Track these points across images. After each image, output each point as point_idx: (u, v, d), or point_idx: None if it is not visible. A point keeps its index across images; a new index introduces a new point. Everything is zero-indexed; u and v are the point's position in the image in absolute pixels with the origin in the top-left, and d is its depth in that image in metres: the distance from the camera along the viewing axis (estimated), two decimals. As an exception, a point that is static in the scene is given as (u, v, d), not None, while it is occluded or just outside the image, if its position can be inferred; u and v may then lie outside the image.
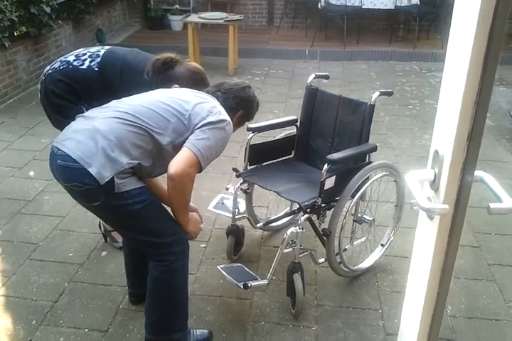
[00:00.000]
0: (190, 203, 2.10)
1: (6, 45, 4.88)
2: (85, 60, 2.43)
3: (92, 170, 1.78)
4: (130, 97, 2.04)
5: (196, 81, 2.35)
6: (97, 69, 2.40)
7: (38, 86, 2.55)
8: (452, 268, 1.24)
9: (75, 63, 2.43)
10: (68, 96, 2.43)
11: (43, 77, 2.50)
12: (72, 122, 1.97)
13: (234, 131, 2.14)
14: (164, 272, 2.05)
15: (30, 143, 4.25)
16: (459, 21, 1.02)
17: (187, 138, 1.93)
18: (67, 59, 2.47)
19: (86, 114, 1.99)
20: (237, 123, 2.24)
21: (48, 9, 5.40)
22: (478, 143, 1.00)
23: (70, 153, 1.81)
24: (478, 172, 1.11)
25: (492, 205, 1.03)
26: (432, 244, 1.17)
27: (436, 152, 1.09)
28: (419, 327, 1.36)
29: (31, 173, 3.78)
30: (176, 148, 1.92)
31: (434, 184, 1.11)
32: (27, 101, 5.23)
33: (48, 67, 2.52)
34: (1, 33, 4.77)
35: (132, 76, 2.36)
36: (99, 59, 2.42)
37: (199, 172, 1.94)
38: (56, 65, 2.48)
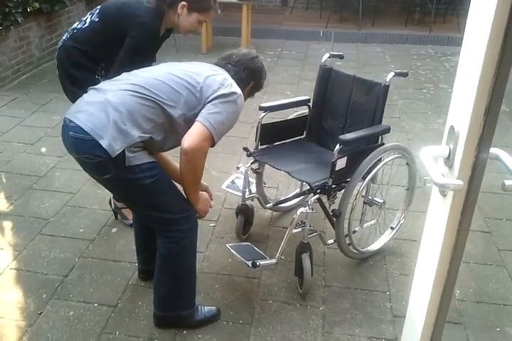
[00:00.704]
0: (202, 181, 2.10)
1: (19, 21, 4.86)
2: (86, 18, 2.46)
3: (103, 143, 1.78)
4: (141, 70, 2.04)
5: None
6: (97, 19, 2.41)
7: (55, 61, 2.57)
8: (463, 247, 1.23)
9: (79, 26, 2.47)
10: (85, 62, 2.44)
11: (57, 52, 2.51)
12: (85, 94, 1.98)
13: (245, 101, 2.14)
14: (172, 249, 2.07)
15: (42, 120, 4.26)
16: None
17: (199, 111, 1.92)
18: (73, 26, 2.51)
19: (98, 86, 1.99)
20: (248, 95, 2.24)
21: (61, -15, 5.38)
22: (495, 118, 0.98)
23: (81, 125, 1.82)
24: (493, 150, 1.09)
25: (507, 182, 1.01)
26: (443, 221, 1.16)
27: (451, 128, 1.08)
28: (427, 310, 1.36)
29: (43, 149, 3.80)
30: (188, 121, 1.92)
31: (449, 160, 1.09)
32: (39, 78, 5.23)
33: (59, 42, 2.53)
34: (14, 9, 4.74)
35: (132, 7, 2.35)
36: (97, 11, 2.45)
37: (212, 146, 1.94)
38: (64, 37, 2.51)
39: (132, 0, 2.39)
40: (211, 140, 1.91)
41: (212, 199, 2.24)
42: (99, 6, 2.49)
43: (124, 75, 2.02)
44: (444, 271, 1.27)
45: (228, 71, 2.11)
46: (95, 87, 1.99)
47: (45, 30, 5.59)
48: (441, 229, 1.19)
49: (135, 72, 2.02)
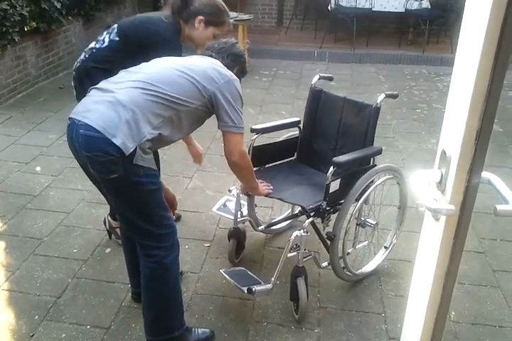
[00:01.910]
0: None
1: (16, 40, 4.90)
2: (104, 38, 2.46)
3: (117, 141, 1.79)
4: (139, 66, 2.07)
5: (219, 9, 2.40)
6: (117, 38, 2.42)
7: (72, 83, 2.56)
8: (457, 270, 1.23)
9: (97, 45, 2.46)
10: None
11: (74, 73, 2.52)
12: (89, 94, 1.99)
13: None
14: (155, 269, 2.07)
15: (38, 139, 4.26)
16: (471, 11, 1.00)
17: (204, 103, 2.01)
18: (90, 46, 2.50)
19: (100, 86, 2.00)
20: None
21: (58, 5, 5.44)
22: (487, 142, 1.00)
23: (92, 123, 1.82)
24: (485, 174, 1.10)
25: (499, 207, 1.02)
26: (437, 245, 1.16)
27: (443, 152, 1.09)
28: (421, 332, 1.35)
29: (38, 168, 3.79)
30: (193, 113, 2.00)
31: (441, 185, 1.10)
32: (35, 97, 5.25)
33: (75, 63, 2.53)
34: (11, 28, 4.77)
35: (154, 24, 2.38)
36: (115, 29, 2.45)
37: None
38: (82, 57, 2.50)
39: (150, 17, 2.44)
40: (242, 136, 2.11)
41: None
42: (115, 25, 2.49)
43: (123, 73, 2.04)
44: (438, 294, 1.27)
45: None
46: (97, 86, 2.00)
47: (42, 49, 5.63)
48: (435, 252, 1.19)
49: (133, 69, 2.06)
